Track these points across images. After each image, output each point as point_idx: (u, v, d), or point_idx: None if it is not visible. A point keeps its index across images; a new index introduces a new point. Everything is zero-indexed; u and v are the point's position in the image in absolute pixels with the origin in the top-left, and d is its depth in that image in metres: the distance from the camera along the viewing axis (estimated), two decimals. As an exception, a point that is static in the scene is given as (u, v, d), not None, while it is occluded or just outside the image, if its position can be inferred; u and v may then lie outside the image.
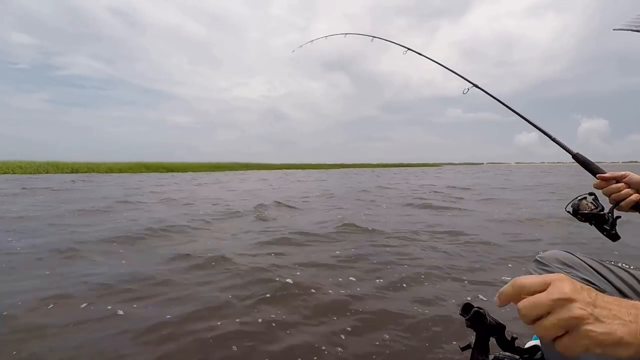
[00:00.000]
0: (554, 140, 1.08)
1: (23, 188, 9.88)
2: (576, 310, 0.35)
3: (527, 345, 0.97)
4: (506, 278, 2.39)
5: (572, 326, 0.35)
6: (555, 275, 0.39)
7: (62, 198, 7.47)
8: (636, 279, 0.84)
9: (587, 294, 0.37)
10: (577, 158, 1.04)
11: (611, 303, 0.37)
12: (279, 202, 6.77)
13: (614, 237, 0.92)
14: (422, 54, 1.74)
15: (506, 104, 1.26)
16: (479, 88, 1.35)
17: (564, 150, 1.08)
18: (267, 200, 7.10)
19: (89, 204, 6.28)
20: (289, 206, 6.46)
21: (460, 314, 0.90)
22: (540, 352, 0.91)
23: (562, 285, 0.37)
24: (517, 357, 0.88)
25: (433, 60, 1.67)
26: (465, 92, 1.37)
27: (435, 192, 9.95)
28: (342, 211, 5.88)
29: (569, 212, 0.95)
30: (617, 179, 0.91)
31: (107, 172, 24.27)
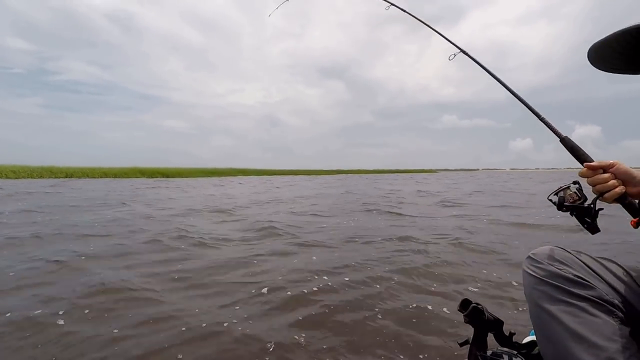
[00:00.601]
0: (542, 120, 1.04)
1: (-5, 193, 10.15)
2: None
3: (524, 341, 0.98)
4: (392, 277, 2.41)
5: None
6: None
7: (25, 203, 7.66)
8: (629, 274, 0.85)
9: None
10: (565, 142, 0.99)
11: None
12: (218, 208, 6.85)
13: (594, 229, 0.90)
14: (406, 10, 1.66)
15: (493, 73, 1.22)
16: (466, 54, 1.33)
17: (554, 134, 1.02)
18: (210, 206, 7.20)
19: (37, 207, 6.45)
20: (225, 211, 6.53)
21: (459, 310, 0.92)
22: (537, 348, 0.90)
23: None
24: (515, 352, 0.89)
25: (416, 18, 1.59)
26: (451, 58, 1.36)
27: (400, 198, 9.93)
28: (279, 216, 5.93)
29: (551, 200, 0.93)
30: (604, 169, 0.87)
31: (101, 177, 24.73)
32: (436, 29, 1.48)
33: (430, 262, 2.96)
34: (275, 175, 41.51)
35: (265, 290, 2.34)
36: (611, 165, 0.87)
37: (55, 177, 22.84)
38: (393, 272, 2.70)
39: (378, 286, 2.41)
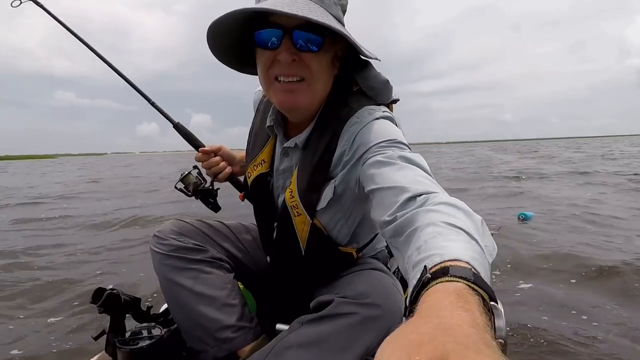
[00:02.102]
0: (154, 105, 1.04)
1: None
2: None
3: (162, 310, 1.01)
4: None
5: None
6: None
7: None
8: (228, 227, 0.97)
9: None
10: (178, 128, 1.03)
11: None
12: None
13: (217, 208, 0.99)
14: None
15: (72, 30, 1.06)
16: (37, 3, 1.10)
17: (168, 121, 1.04)
18: None
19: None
20: None
21: (92, 303, 0.82)
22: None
23: None
24: (153, 324, 0.91)
25: None
26: (15, 4, 1.13)
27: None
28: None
29: (177, 188, 0.98)
30: (215, 152, 0.95)
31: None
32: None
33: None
34: None
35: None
36: (219, 149, 0.95)
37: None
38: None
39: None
